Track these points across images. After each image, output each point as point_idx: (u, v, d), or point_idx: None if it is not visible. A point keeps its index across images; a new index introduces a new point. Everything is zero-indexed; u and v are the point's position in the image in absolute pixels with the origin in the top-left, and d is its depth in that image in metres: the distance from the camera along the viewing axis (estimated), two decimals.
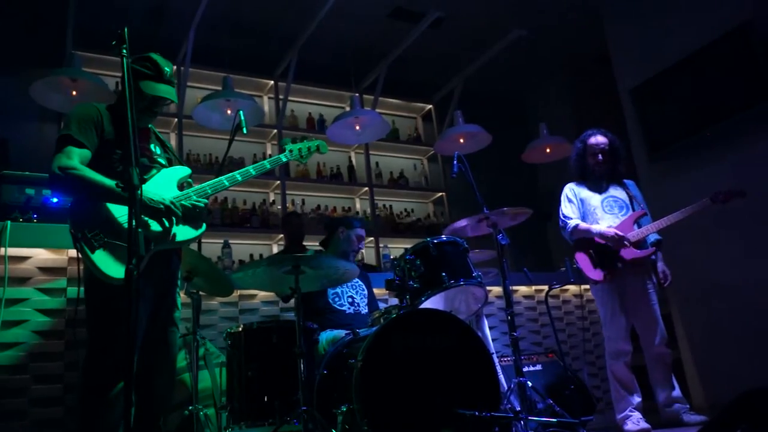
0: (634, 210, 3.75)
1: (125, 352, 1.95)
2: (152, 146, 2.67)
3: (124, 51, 2.19)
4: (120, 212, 2.33)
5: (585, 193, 3.84)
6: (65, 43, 5.12)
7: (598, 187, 3.86)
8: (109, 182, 2.31)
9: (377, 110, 6.47)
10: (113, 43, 2.20)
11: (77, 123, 2.44)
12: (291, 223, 5.27)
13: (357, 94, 6.39)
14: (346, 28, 5.86)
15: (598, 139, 3.83)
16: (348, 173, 6.55)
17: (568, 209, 3.82)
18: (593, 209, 3.78)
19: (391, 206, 6.72)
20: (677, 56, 4.86)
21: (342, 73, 6.51)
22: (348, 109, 5.79)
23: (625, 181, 3.94)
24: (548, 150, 5.90)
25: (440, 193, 6.95)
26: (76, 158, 2.37)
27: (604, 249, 3.64)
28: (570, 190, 3.89)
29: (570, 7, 5.77)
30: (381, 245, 6.20)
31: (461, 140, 5.60)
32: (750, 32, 4.35)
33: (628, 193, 3.86)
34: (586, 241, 3.70)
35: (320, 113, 6.57)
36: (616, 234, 3.58)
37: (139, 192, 1.97)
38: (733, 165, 4.46)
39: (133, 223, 1.92)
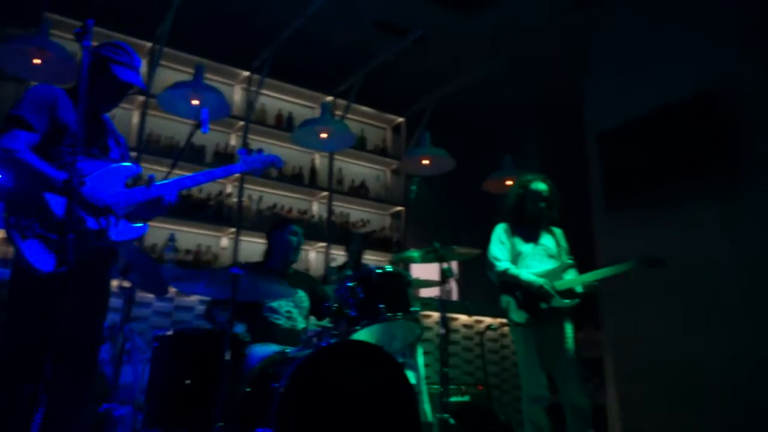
0: (562, 259, 3.80)
1: (37, 349, 1.92)
2: (107, 139, 2.64)
3: (87, 43, 2.15)
4: (58, 205, 2.28)
5: (517, 237, 3.83)
6: (42, 2, 4.95)
7: (531, 234, 3.86)
8: (51, 172, 2.28)
9: (348, 116, 6.46)
10: (77, 31, 2.17)
11: (30, 104, 2.41)
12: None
13: (330, 98, 6.35)
14: (329, 30, 5.79)
15: (541, 186, 3.85)
16: (309, 175, 6.50)
17: (498, 250, 3.78)
18: (524, 256, 3.78)
19: (348, 214, 6.69)
20: (646, 110, 4.84)
21: (318, 74, 6.45)
22: (318, 112, 5.74)
23: (554, 228, 3.96)
24: (509, 182, 5.93)
25: (399, 208, 6.93)
26: (21, 140, 2.33)
27: (531, 292, 3.65)
28: (503, 231, 3.85)
29: (554, 45, 5.81)
30: (332, 252, 6.16)
31: (425, 162, 5.59)
32: (714, 98, 4.39)
33: (557, 242, 3.90)
34: (513, 283, 3.71)
35: (290, 111, 6.49)
36: (544, 285, 3.60)
37: (79, 189, 1.97)
38: (682, 227, 4.47)
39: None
